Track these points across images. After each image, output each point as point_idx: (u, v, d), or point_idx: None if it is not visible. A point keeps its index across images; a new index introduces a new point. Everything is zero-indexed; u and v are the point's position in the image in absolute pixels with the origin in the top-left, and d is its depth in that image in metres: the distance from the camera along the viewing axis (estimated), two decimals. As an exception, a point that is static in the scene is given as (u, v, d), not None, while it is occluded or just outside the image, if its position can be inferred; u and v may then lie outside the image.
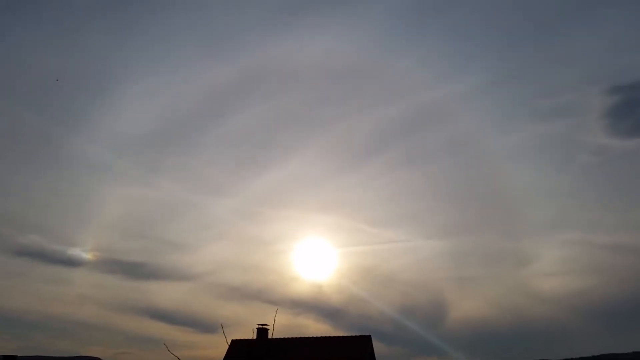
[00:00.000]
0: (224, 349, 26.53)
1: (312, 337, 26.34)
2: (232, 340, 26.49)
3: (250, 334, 24.69)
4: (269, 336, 17.50)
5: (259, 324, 24.53)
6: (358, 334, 25.93)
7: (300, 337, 26.42)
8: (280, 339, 25.41)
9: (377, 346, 26.34)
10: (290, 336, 26.22)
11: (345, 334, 26.46)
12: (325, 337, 26.16)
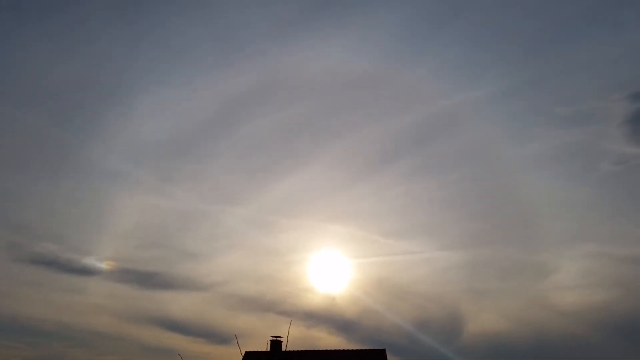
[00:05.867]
0: (237, 360, 26.39)
1: (326, 350, 26.05)
2: (246, 352, 26.33)
3: (263, 345, 24.49)
4: (283, 348, 17.33)
5: (272, 336, 24.35)
6: (372, 347, 25.59)
7: (315, 350, 26.15)
8: (294, 351, 25.15)
9: (392, 360, 25.92)
10: (304, 349, 25.97)
11: (359, 347, 26.14)
12: (340, 350, 25.85)
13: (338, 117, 54.10)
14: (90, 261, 42.99)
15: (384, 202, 51.75)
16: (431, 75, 51.08)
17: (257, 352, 25.80)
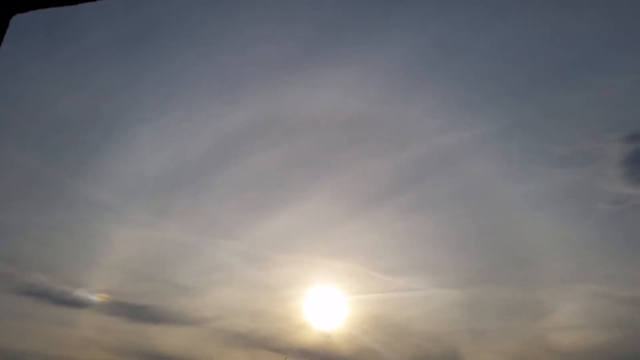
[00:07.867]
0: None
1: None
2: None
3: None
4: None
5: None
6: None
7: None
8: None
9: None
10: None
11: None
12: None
13: (335, 154, 54.41)
14: (83, 293, 42.34)
15: (381, 239, 51.53)
16: (427, 114, 51.80)
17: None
